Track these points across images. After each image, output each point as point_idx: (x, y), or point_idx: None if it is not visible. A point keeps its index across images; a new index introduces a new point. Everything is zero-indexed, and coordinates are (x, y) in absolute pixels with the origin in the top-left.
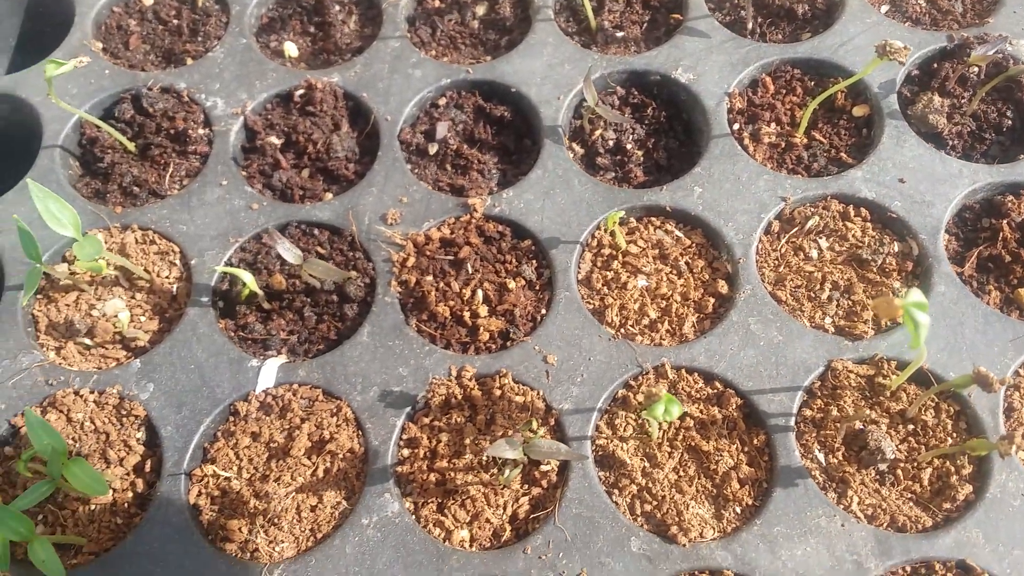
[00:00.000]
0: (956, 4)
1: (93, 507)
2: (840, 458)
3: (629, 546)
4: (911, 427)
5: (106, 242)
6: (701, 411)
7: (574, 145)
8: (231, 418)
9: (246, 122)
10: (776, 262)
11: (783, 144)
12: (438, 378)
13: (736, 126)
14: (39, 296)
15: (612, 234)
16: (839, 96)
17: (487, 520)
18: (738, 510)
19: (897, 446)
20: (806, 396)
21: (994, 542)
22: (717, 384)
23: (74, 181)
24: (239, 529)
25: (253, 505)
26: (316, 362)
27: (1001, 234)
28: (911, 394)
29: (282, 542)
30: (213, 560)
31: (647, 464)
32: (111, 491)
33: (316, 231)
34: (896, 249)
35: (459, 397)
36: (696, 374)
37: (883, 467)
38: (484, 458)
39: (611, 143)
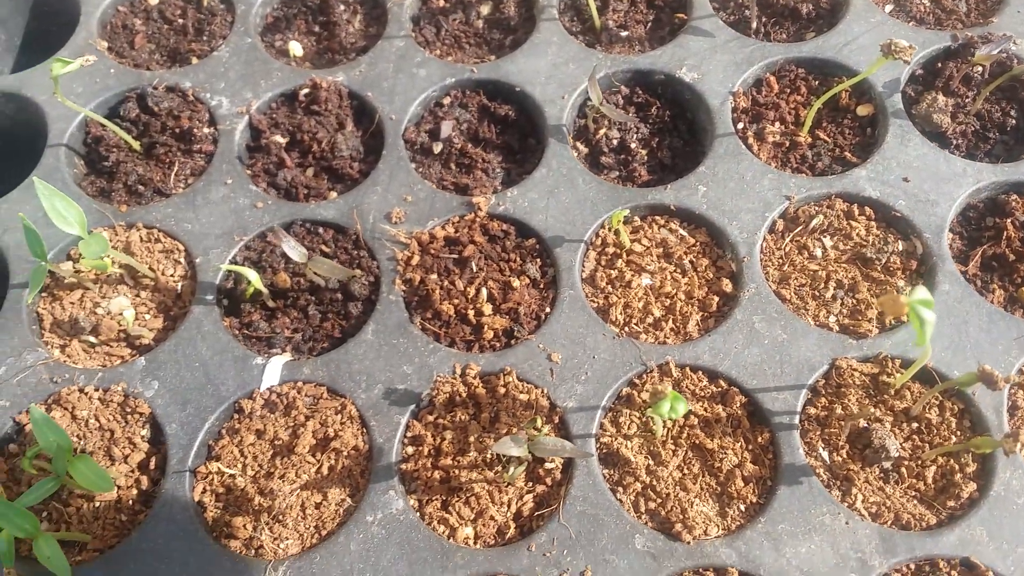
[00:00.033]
0: (960, 4)
1: (97, 504)
2: (844, 456)
3: (633, 543)
4: (915, 425)
5: (111, 240)
6: (705, 409)
7: (578, 144)
8: (236, 416)
9: (251, 121)
10: (780, 261)
11: (787, 143)
12: (442, 376)
13: (740, 125)
14: (44, 294)
15: (616, 233)
16: (843, 95)
17: (491, 517)
18: (742, 508)
19: (901, 444)
20: (810, 394)
21: (998, 540)
22: (721, 382)
23: (79, 180)
24: (244, 526)
25: (258, 502)
26: (320, 360)
27: (1005, 233)
28: (915, 392)
29: (287, 539)
30: (217, 557)
31: (651, 462)
32: (115, 488)
33: (320, 230)
34: (900, 248)
35: (463, 395)
36: (700, 372)
37: (887, 465)
38: (488, 456)
39: (615, 142)
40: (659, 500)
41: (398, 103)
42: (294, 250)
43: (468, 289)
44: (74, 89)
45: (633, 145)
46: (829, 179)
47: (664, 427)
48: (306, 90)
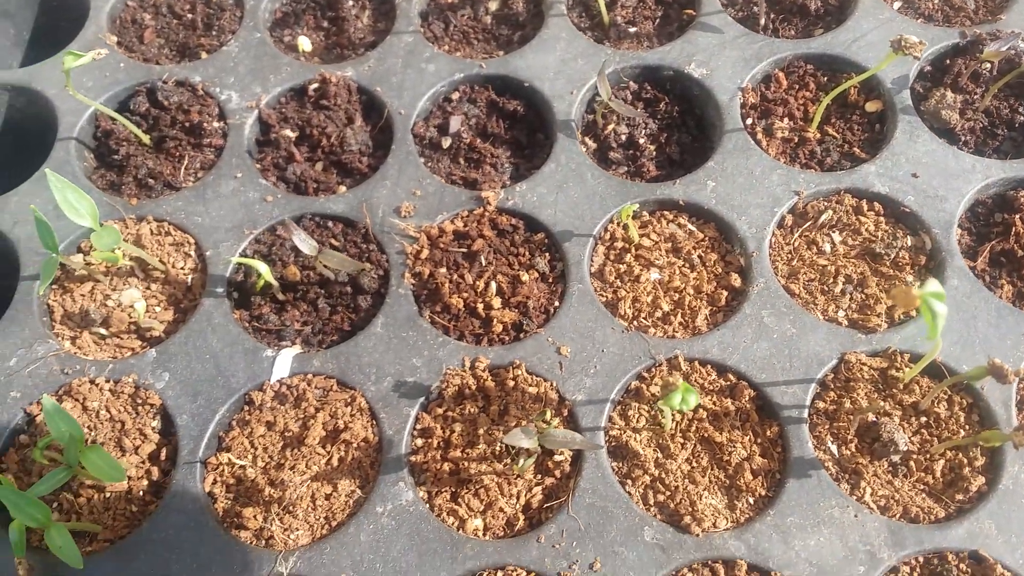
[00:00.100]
0: (969, 1)
1: (108, 495)
2: (853, 450)
3: (643, 535)
4: (924, 419)
5: (121, 233)
6: (714, 403)
7: (587, 139)
8: (246, 407)
9: (260, 115)
10: (789, 256)
11: (796, 139)
12: (452, 369)
13: (749, 121)
14: (54, 286)
15: (625, 227)
16: (852, 91)
17: (501, 509)
18: (751, 501)
19: (910, 438)
20: (819, 388)
21: (1006, 533)
22: (730, 376)
23: (89, 173)
24: (254, 517)
25: (268, 493)
26: (330, 352)
27: (1013, 229)
28: (924, 386)
29: (297, 530)
30: (228, 547)
31: (660, 455)
32: (126, 479)
33: (330, 223)
34: (909, 243)
35: (473, 388)
36: (709, 366)
37: (896, 459)
38: (497, 448)
39: (624, 137)
40: (668, 493)
41: (407, 98)
42: (304, 243)
43: (477, 283)
44: (84, 83)
45: (641, 141)
46: (838, 175)
47: (673, 420)
48: (315, 85)
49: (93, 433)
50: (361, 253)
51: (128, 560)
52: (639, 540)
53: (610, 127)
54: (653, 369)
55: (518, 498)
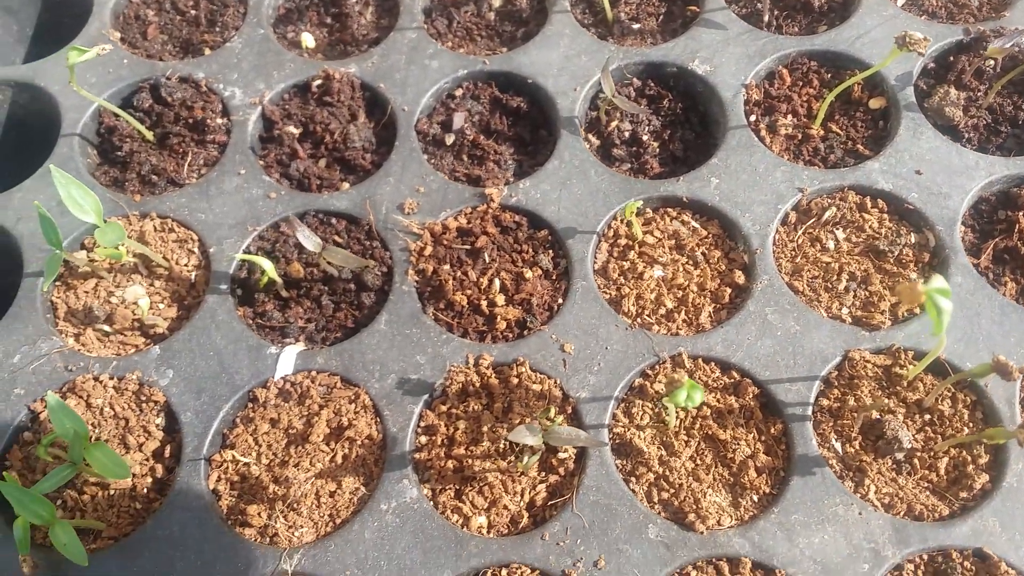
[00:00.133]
0: None
1: (112, 492)
2: (857, 447)
3: (647, 533)
4: (928, 417)
5: (125, 229)
6: (718, 400)
7: (590, 136)
8: (250, 404)
9: (264, 112)
10: (793, 253)
11: (800, 136)
12: (456, 366)
13: (753, 118)
14: (58, 283)
15: (629, 224)
16: (856, 88)
17: (505, 507)
18: (755, 498)
19: (914, 435)
20: (823, 386)
21: (1011, 530)
22: (734, 373)
23: (92, 169)
24: (258, 514)
25: (272, 490)
26: (334, 349)
27: (1017, 226)
28: (928, 384)
29: (301, 527)
30: (232, 545)
31: (664, 452)
32: (131, 476)
33: (333, 220)
34: (913, 240)
35: (476, 385)
36: (713, 363)
37: (900, 456)
38: (501, 445)
39: (627, 134)
40: (672, 490)
41: (410, 94)
42: (308, 239)
43: (481, 280)
44: (87, 79)
45: (645, 137)
46: (842, 172)
47: (677, 418)
48: (319, 81)
49: (97, 430)
50: (365, 250)
51: (132, 557)
52: (643, 538)
53: (613, 124)
54: (657, 366)
55: (522, 496)
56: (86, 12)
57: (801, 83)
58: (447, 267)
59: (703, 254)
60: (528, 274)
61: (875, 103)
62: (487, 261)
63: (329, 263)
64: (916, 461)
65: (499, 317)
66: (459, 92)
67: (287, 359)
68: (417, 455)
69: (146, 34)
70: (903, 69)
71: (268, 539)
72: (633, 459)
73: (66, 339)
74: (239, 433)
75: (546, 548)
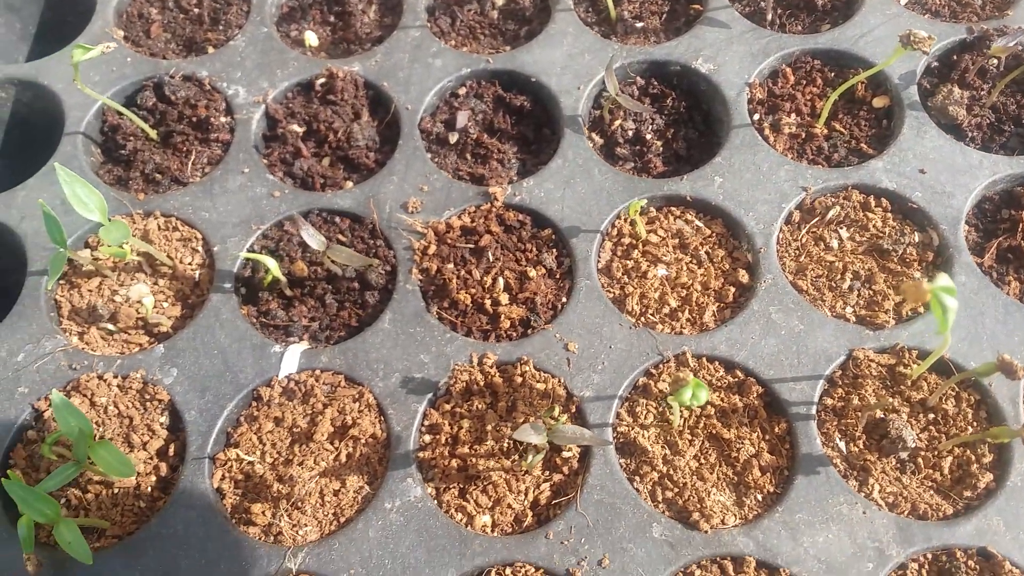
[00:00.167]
0: None
1: (116, 491)
2: (861, 446)
3: (651, 532)
4: (932, 416)
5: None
6: (722, 399)
7: (593, 135)
8: (254, 403)
9: (267, 110)
10: (797, 252)
11: (803, 134)
12: (460, 365)
13: (756, 116)
14: (61, 281)
15: (632, 223)
16: (859, 87)
17: (509, 506)
18: (759, 497)
19: (918, 435)
20: (827, 385)
21: (1015, 529)
22: (738, 373)
23: (96, 168)
24: (263, 513)
25: (276, 489)
26: (338, 348)
27: (1020, 225)
28: (932, 383)
29: (305, 526)
30: (237, 543)
31: (668, 451)
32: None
33: (337, 219)
34: (917, 239)
35: (480, 384)
36: (717, 363)
37: (904, 455)
38: (505, 444)
39: (630, 133)
40: (676, 489)
41: (414, 93)
42: (313, 238)
43: (485, 279)
44: (91, 78)
45: (648, 136)
46: (845, 170)
47: (681, 417)
48: (322, 80)
49: (101, 429)
50: (368, 249)
51: (136, 556)
52: (648, 537)
53: (617, 122)
54: (661, 365)
55: (526, 494)
56: (89, 10)
57: (805, 82)
58: (451, 266)
59: (707, 253)
60: (532, 273)
61: (879, 102)
62: (491, 260)
63: (333, 262)
64: (920, 460)
65: (503, 316)
66: (462, 91)
67: (291, 358)
68: (421, 454)
69: (149, 32)
70: (906, 68)
71: (272, 538)
72: (637, 458)
73: (70, 337)
74: (243, 432)
75: (550, 547)
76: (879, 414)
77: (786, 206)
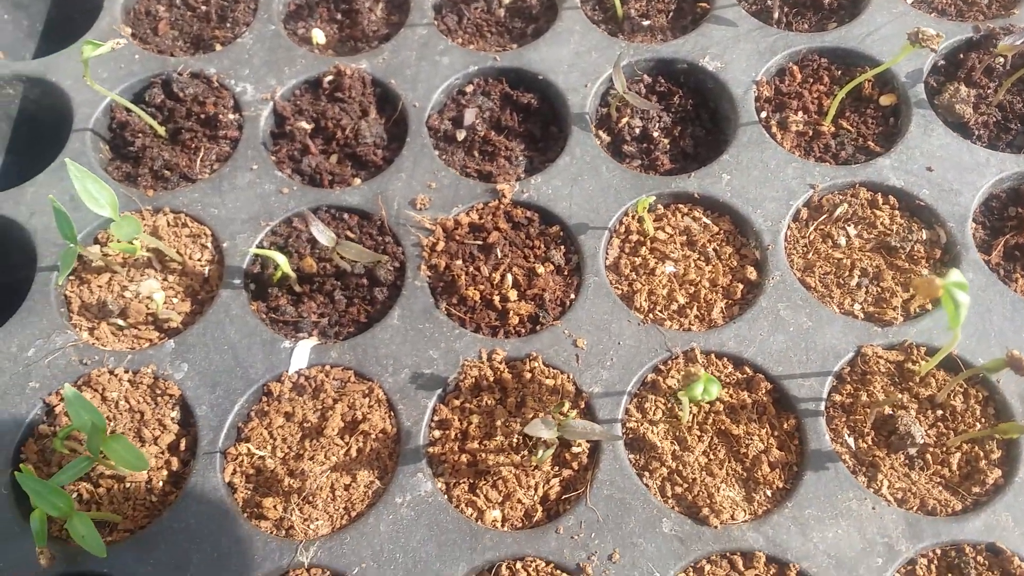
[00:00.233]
0: None
1: (128, 485)
2: (870, 443)
3: (661, 527)
4: (940, 412)
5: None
6: (731, 395)
7: (601, 133)
8: (264, 398)
9: (275, 108)
10: (805, 249)
11: (811, 132)
12: (469, 360)
13: (764, 114)
14: (72, 277)
15: (640, 220)
16: (866, 85)
17: (519, 501)
18: (769, 493)
19: (926, 431)
20: (836, 381)
21: (1023, 525)
22: (747, 369)
23: (104, 164)
24: (274, 507)
25: (288, 483)
26: (348, 344)
27: None
28: (940, 380)
29: (317, 520)
30: (248, 537)
31: (677, 447)
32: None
33: (346, 216)
34: (924, 237)
35: (490, 380)
36: (726, 359)
37: (913, 451)
38: (515, 440)
39: (638, 131)
40: (685, 485)
41: (421, 91)
42: (322, 234)
43: (493, 275)
44: (99, 75)
45: (655, 134)
46: (853, 168)
47: (690, 413)
48: (330, 77)
49: (113, 423)
50: (377, 245)
51: (149, 550)
52: (657, 532)
53: (624, 120)
54: (670, 362)
55: (536, 490)
56: (96, 7)
57: (812, 80)
58: (459, 262)
59: (715, 250)
60: (540, 269)
61: (886, 100)
62: (499, 256)
63: (342, 258)
64: (929, 456)
65: (512, 312)
66: (470, 88)
67: (301, 353)
68: (431, 449)
69: (157, 29)
70: (913, 66)
71: (284, 531)
72: (646, 454)
73: (80, 333)
74: (254, 427)
75: (560, 542)
76: (888, 410)
77: (794, 203)
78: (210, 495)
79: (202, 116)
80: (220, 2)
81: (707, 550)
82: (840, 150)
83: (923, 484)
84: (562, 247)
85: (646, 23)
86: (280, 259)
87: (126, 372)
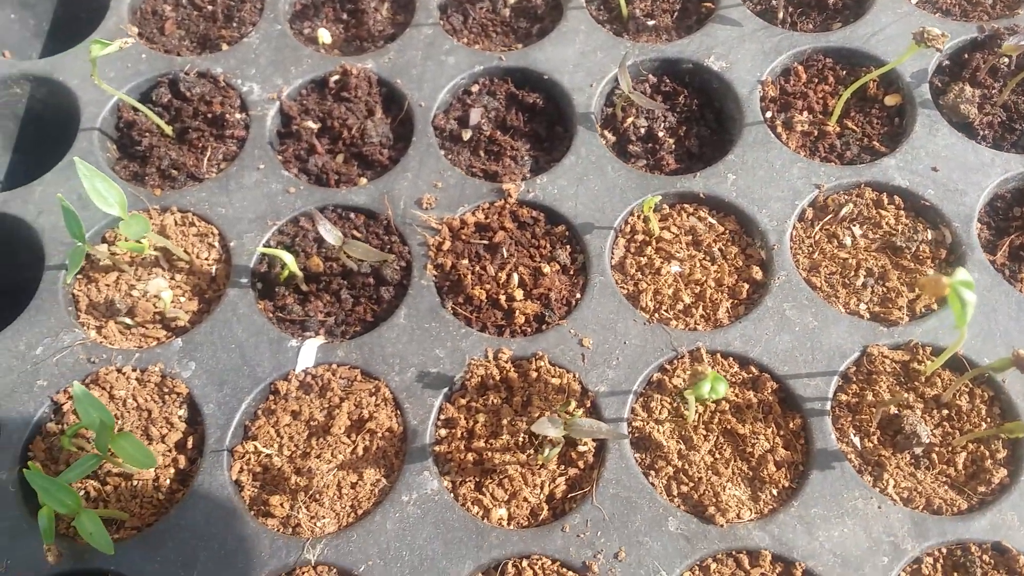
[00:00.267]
0: None
1: (135, 483)
2: (876, 442)
3: (667, 526)
4: (946, 412)
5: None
6: (737, 395)
7: (606, 132)
8: (271, 397)
9: (282, 107)
10: (810, 249)
11: (816, 132)
12: (475, 359)
13: (769, 114)
14: (79, 276)
15: (646, 220)
16: (871, 85)
17: (525, 499)
18: (775, 492)
19: (932, 430)
20: (841, 381)
21: None
22: (752, 368)
23: (112, 163)
24: (281, 505)
25: (294, 481)
26: (355, 343)
27: None
28: (946, 379)
29: (323, 518)
30: (255, 535)
31: (683, 446)
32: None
33: (352, 215)
34: (929, 237)
35: (496, 379)
36: (731, 358)
37: (918, 451)
38: (521, 439)
39: (643, 130)
40: (691, 484)
41: (427, 90)
42: (330, 233)
43: (499, 274)
44: (106, 74)
45: (660, 134)
46: (858, 168)
47: (696, 412)
48: (336, 77)
49: (120, 421)
50: (383, 245)
51: (156, 547)
52: (663, 530)
53: (629, 120)
54: (675, 361)
55: (542, 488)
56: (103, 7)
57: (817, 80)
58: (465, 262)
59: (720, 250)
60: (546, 269)
61: (891, 100)
62: (505, 256)
63: (349, 257)
64: (934, 456)
65: (518, 311)
66: (475, 88)
67: (308, 352)
68: (437, 447)
69: (163, 29)
70: (918, 66)
71: (291, 529)
72: (652, 453)
73: (88, 331)
74: (261, 425)
75: (567, 540)
76: (893, 410)
77: (799, 203)
78: (217, 493)
79: (209, 115)
80: (226, 2)
81: (713, 549)
82: (845, 150)
83: (929, 483)
84: (568, 247)
85: (651, 23)
86: (287, 258)
87: (134, 370)
